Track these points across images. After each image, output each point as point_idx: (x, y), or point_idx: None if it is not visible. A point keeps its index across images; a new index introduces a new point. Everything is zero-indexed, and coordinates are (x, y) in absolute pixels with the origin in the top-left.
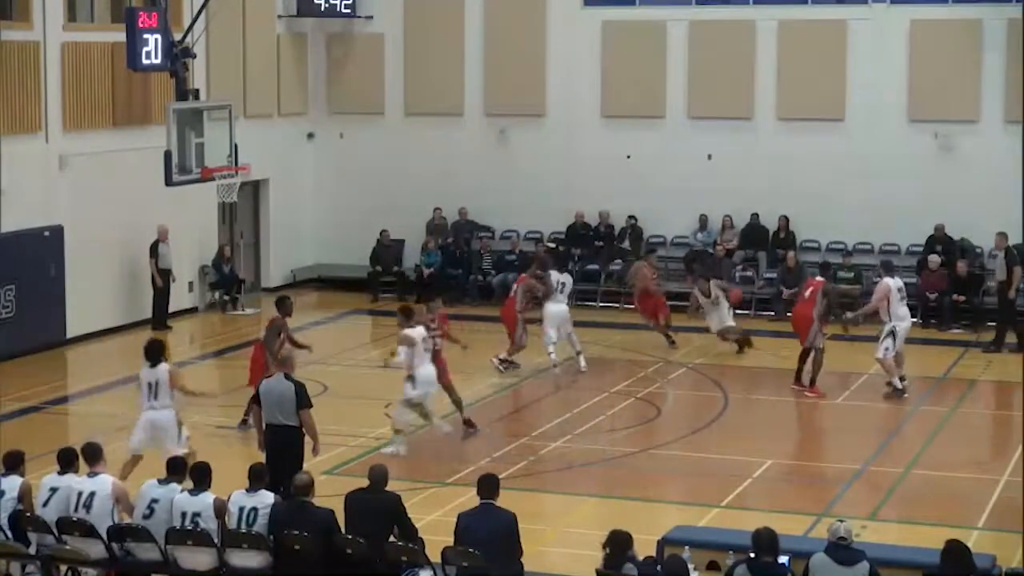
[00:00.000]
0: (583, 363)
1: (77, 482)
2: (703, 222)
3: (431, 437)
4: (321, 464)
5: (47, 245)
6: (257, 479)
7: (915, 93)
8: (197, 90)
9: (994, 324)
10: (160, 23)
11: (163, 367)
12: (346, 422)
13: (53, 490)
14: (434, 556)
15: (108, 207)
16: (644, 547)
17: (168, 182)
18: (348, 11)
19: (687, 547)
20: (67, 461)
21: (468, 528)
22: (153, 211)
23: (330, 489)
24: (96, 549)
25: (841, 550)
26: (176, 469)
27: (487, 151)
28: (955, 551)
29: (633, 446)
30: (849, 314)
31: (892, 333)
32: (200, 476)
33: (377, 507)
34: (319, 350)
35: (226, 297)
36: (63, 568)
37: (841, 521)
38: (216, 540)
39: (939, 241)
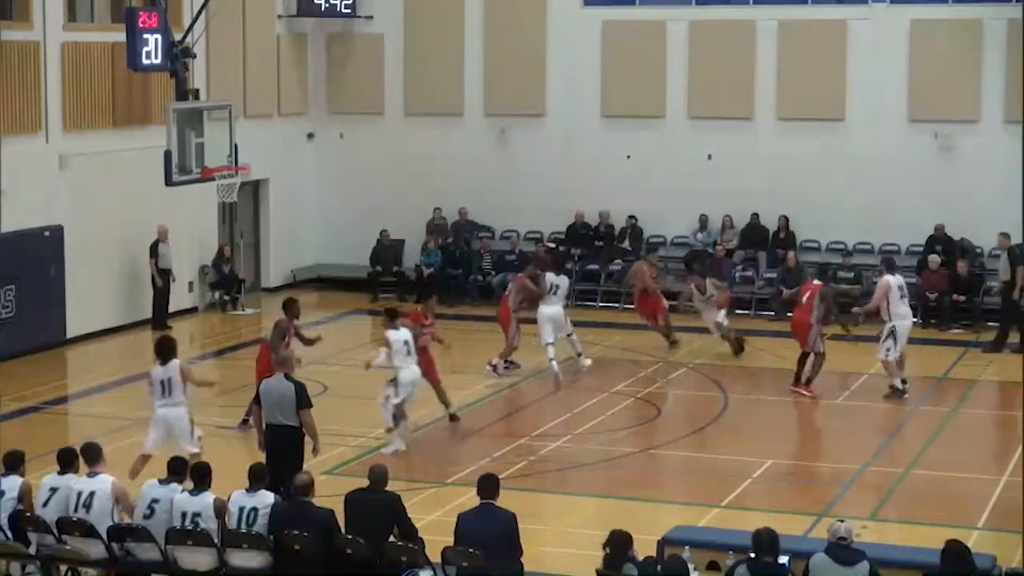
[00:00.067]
0: (586, 362)
1: (77, 482)
2: (703, 222)
3: (431, 437)
4: (321, 464)
5: (47, 245)
6: (257, 479)
7: (915, 93)
8: (197, 90)
9: (995, 324)
10: (160, 23)
11: (175, 364)
12: (346, 422)
13: (53, 490)
14: (434, 556)
15: (108, 207)
16: (644, 547)
17: (168, 182)
18: (348, 11)
19: (687, 547)
20: (67, 461)
21: (468, 528)
22: (153, 211)
23: (330, 489)
24: (96, 549)
25: (841, 550)
26: (177, 469)
27: (487, 151)
28: (955, 551)
29: (633, 446)
30: (856, 309)
31: (892, 333)
32: (200, 476)
33: (377, 507)
34: (319, 350)
35: (226, 297)
36: (63, 568)
37: (841, 521)
38: (216, 540)
39: (939, 241)
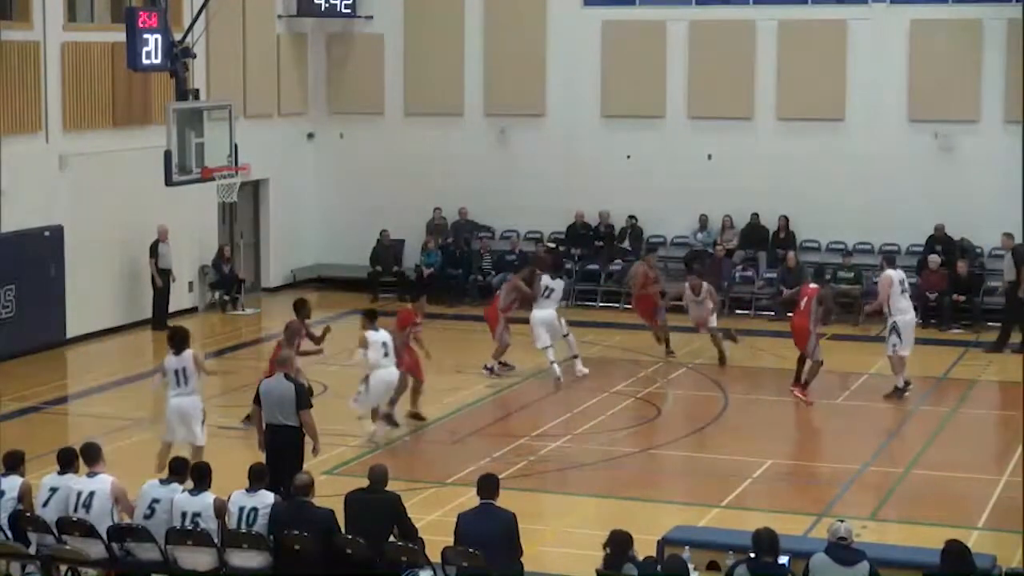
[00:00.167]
0: (583, 370)
1: (76, 482)
2: (703, 222)
3: (431, 437)
4: (321, 464)
5: (47, 245)
6: (257, 479)
7: (915, 93)
8: (197, 90)
9: (995, 324)
10: (160, 23)
11: (188, 353)
12: (346, 422)
13: (53, 490)
14: (434, 556)
15: (108, 207)
16: (644, 547)
17: (168, 182)
18: (348, 11)
19: (687, 547)
20: (67, 461)
21: (468, 528)
22: (153, 211)
23: (330, 489)
24: (96, 549)
25: (841, 550)
26: (178, 470)
27: (487, 151)
28: (955, 551)
29: (633, 446)
30: (867, 308)
31: (895, 328)
32: (200, 476)
33: (377, 507)
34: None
35: (226, 297)
36: (63, 568)
37: (841, 521)
38: (216, 540)
39: (939, 241)
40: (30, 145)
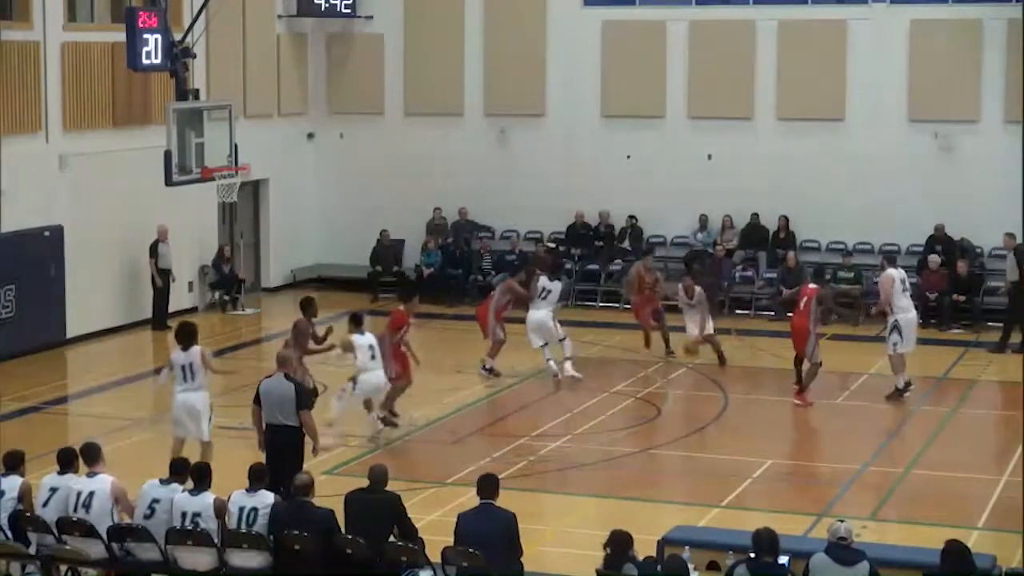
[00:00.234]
0: (568, 369)
1: (76, 482)
2: (703, 222)
3: (431, 438)
4: (321, 464)
5: (47, 245)
6: (257, 479)
7: (915, 93)
8: (197, 90)
9: (995, 324)
10: (160, 23)
11: (196, 349)
12: (346, 422)
13: (53, 490)
14: (434, 556)
15: (108, 207)
16: (644, 547)
17: (168, 182)
18: (348, 11)
19: (687, 547)
20: (66, 461)
21: (468, 528)
22: (153, 211)
23: (330, 489)
24: (96, 549)
25: (841, 550)
26: (178, 470)
27: (487, 151)
28: (955, 551)
29: (633, 446)
30: (873, 311)
31: (896, 326)
32: (200, 476)
33: (377, 507)
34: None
35: (226, 297)
36: (63, 568)
37: (841, 521)
38: (216, 540)
39: (939, 241)
40: (30, 145)
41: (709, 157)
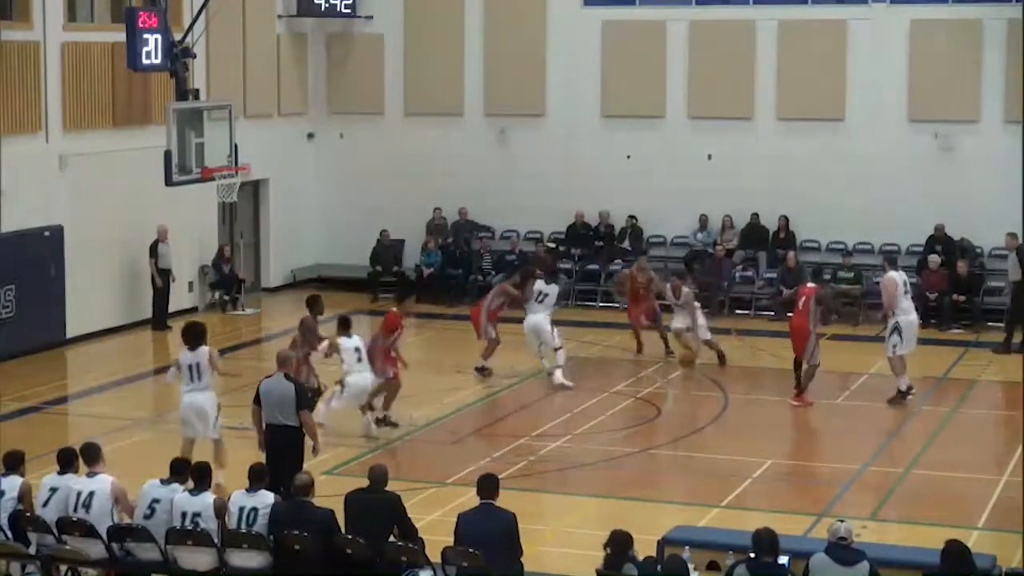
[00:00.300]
0: (558, 378)
1: (76, 482)
2: (703, 222)
3: (431, 438)
4: (321, 464)
5: (47, 245)
6: (257, 479)
7: (915, 93)
8: (197, 90)
9: (994, 324)
10: (160, 23)
11: (204, 350)
12: (346, 422)
13: (53, 490)
14: (434, 556)
15: (108, 207)
16: (644, 547)
17: (168, 182)
18: (348, 11)
19: (687, 547)
20: (66, 461)
21: (468, 528)
22: (153, 211)
23: (330, 489)
24: (96, 549)
25: (841, 550)
26: (179, 470)
27: (487, 151)
28: (955, 551)
29: (633, 446)
30: (880, 316)
31: (897, 328)
32: (200, 476)
33: (377, 507)
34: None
35: (226, 297)
36: (63, 568)
37: (841, 521)
38: (216, 540)
39: (939, 241)
40: (30, 145)
41: (709, 157)
